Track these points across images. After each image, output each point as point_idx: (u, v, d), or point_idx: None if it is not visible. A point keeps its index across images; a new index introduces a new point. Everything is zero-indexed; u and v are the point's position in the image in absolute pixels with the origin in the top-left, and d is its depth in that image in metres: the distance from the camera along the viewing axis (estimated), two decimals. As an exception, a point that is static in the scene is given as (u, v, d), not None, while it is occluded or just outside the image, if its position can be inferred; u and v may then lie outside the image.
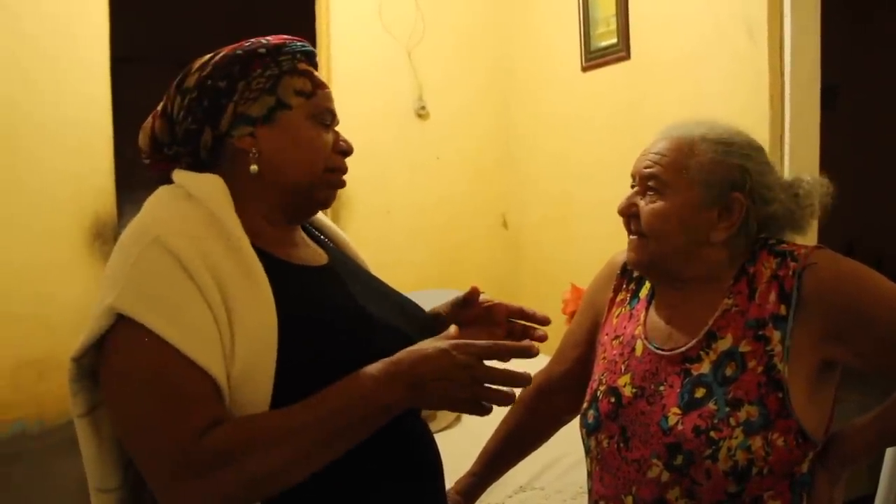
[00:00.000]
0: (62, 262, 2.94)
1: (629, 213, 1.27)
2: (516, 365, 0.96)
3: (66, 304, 2.88)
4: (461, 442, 1.69)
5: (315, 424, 0.94)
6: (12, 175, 2.86)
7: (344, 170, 1.15)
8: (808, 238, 1.30)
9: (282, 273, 1.05)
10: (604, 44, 3.03)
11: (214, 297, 0.95)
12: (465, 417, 2.44)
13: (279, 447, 0.92)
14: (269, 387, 0.96)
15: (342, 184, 1.15)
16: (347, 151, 1.15)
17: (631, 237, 1.28)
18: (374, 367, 0.96)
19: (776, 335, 1.15)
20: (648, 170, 1.24)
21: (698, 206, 1.20)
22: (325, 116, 1.12)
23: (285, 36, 1.14)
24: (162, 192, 1.07)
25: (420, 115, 3.66)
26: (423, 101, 3.65)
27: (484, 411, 0.96)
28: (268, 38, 1.12)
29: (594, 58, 3.10)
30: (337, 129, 1.16)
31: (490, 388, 0.95)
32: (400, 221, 3.56)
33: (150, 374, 0.93)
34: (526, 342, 1.04)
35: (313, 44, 3.68)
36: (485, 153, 3.84)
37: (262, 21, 5.66)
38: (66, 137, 2.94)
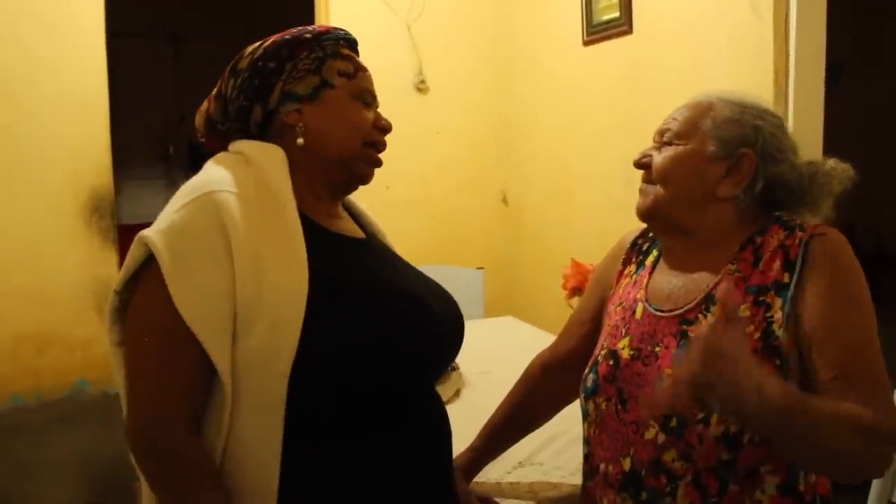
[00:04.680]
0: (60, 236, 2.93)
1: (642, 164, 1.29)
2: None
3: (64, 278, 2.87)
4: (462, 417, 1.68)
5: None
6: (10, 146, 2.84)
7: (382, 146, 1.23)
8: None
9: (321, 238, 1.13)
10: (606, 18, 3.00)
11: (245, 253, 1.02)
12: (465, 392, 2.43)
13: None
14: (294, 340, 1.01)
15: (379, 162, 1.23)
16: (387, 129, 1.23)
17: (641, 186, 1.30)
18: None
19: (777, 302, 1.14)
20: (665, 125, 1.28)
21: (708, 158, 1.22)
22: (366, 96, 1.22)
23: (329, 25, 1.25)
24: (221, 157, 1.17)
25: (420, 90, 3.63)
26: (423, 75, 3.62)
27: None
28: (313, 26, 1.22)
29: (596, 32, 3.07)
30: None
31: None
32: (399, 196, 3.53)
33: (157, 342, 1.02)
34: None
35: (311, 18, 3.67)
36: (485, 128, 3.82)
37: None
38: (63, 109, 2.92)
